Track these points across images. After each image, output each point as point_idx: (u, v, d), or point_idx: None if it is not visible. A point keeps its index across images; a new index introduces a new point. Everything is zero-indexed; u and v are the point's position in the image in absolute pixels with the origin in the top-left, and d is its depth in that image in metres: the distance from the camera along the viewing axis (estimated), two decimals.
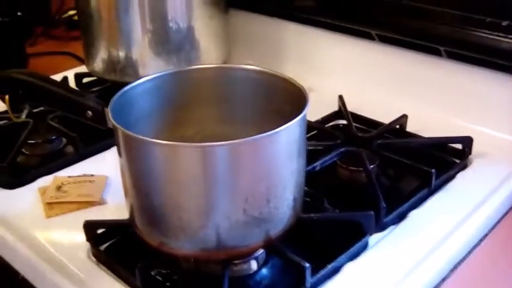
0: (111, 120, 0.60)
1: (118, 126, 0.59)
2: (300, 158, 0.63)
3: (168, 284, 0.66)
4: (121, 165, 0.63)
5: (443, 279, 0.68)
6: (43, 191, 0.81)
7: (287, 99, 0.67)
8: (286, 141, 0.60)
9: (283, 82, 0.69)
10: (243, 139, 0.57)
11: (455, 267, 0.70)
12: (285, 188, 0.61)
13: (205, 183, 0.58)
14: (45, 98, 0.73)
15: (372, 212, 0.71)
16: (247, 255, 0.65)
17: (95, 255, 0.70)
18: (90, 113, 0.68)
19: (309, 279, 0.62)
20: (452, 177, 0.83)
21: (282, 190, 0.61)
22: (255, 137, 0.57)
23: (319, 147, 0.86)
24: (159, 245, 0.63)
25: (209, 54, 1.09)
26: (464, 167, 0.86)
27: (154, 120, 0.70)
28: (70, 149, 0.94)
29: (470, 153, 0.87)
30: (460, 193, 0.80)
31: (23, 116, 0.92)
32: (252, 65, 0.72)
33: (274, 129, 0.57)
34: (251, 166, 0.58)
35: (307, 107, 0.61)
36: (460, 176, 0.84)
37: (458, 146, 0.88)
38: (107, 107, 0.64)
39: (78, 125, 0.92)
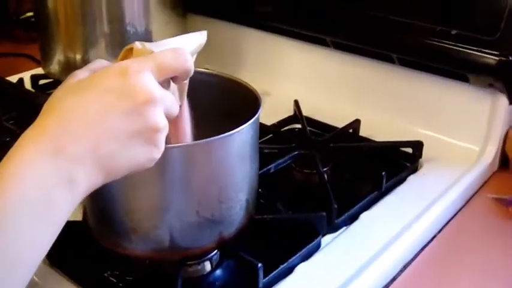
0: None
1: None
2: (252, 160, 0.64)
3: (121, 285, 0.66)
4: None
5: (393, 280, 0.70)
6: None
7: (242, 102, 0.68)
8: (239, 144, 0.61)
9: (239, 86, 0.70)
10: (196, 141, 0.58)
11: (404, 267, 0.72)
12: (238, 190, 0.62)
13: (158, 185, 0.59)
14: (1, 100, 0.73)
15: (324, 213, 0.72)
16: (200, 256, 0.66)
17: (48, 257, 0.69)
18: None
19: (262, 279, 0.64)
20: (403, 180, 0.86)
21: (235, 192, 0.62)
22: (207, 139, 0.58)
23: (274, 150, 0.87)
24: (112, 246, 0.63)
25: None
26: (414, 170, 0.88)
27: None
28: None
29: (420, 157, 0.89)
30: (410, 195, 0.82)
31: None
32: (208, 69, 0.73)
33: (227, 131, 0.58)
34: (204, 168, 0.59)
35: (260, 110, 0.63)
36: (411, 179, 0.86)
37: (409, 150, 0.90)
38: None
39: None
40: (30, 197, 0.42)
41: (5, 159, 0.44)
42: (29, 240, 0.43)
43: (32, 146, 0.44)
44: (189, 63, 0.52)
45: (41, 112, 0.47)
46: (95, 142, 0.45)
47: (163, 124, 0.49)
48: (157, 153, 0.49)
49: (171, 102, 0.51)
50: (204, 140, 0.58)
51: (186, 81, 0.57)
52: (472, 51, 0.87)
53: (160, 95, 0.48)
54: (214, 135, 0.58)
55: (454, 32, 0.88)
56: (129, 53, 0.53)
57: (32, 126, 0.46)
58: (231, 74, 0.72)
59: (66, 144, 0.44)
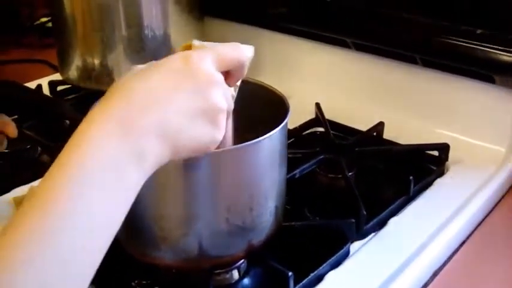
0: None
1: None
2: (281, 166, 0.63)
3: None
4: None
5: (425, 286, 0.68)
6: (19, 202, 0.79)
7: (268, 107, 0.67)
8: (268, 150, 0.60)
9: (264, 90, 0.69)
10: (225, 149, 0.56)
11: (436, 273, 0.70)
12: (268, 197, 0.61)
13: (187, 193, 0.58)
14: (21, 107, 0.72)
15: (353, 220, 0.71)
16: (230, 265, 0.65)
17: None
18: (67, 122, 0.67)
19: None
20: (430, 184, 0.84)
21: (265, 199, 0.61)
22: (236, 146, 0.57)
23: (297, 155, 0.86)
24: (140, 255, 0.63)
25: None
26: (441, 173, 0.87)
27: None
28: (46, 158, 0.92)
29: (447, 159, 0.88)
30: (438, 200, 0.81)
31: None
32: None
33: (255, 137, 0.57)
34: (233, 175, 0.58)
35: (289, 115, 0.62)
36: (438, 182, 0.84)
37: (435, 152, 0.89)
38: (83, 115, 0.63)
39: (53, 133, 0.91)
40: (101, 169, 0.43)
41: (70, 140, 0.44)
42: (102, 212, 0.43)
43: (99, 124, 0.44)
44: (245, 57, 0.55)
45: (104, 96, 0.47)
46: (162, 116, 0.46)
47: (224, 105, 0.50)
48: (219, 135, 0.50)
49: (228, 90, 0.52)
50: (234, 146, 0.57)
51: (237, 86, 0.57)
52: (497, 51, 0.85)
53: (221, 78, 0.50)
54: (241, 141, 0.57)
55: (479, 31, 0.87)
56: (188, 49, 0.53)
57: (96, 108, 0.46)
58: (252, 78, 0.71)
59: (134, 118, 0.45)
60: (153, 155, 0.46)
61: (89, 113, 0.46)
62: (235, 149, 0.57)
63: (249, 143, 0.57)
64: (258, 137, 0.57)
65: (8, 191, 0.83)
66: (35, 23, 1.54)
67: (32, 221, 0.40)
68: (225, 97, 0.50)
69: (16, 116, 0.95)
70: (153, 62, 0.50)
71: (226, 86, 0.52)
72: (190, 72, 0.48)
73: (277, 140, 0.60)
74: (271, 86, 0.68)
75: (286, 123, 0.62)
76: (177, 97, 0.47)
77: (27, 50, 1.44)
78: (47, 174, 0.43)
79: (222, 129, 0.50)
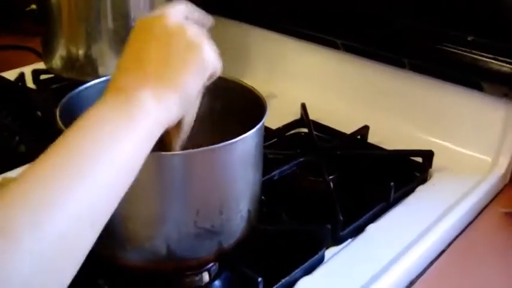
0: (59, 123, 0.58)
1: (64, 129, 0.57)
2: (255, 169, 0.61)
3: None
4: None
5: None
6: None
7: (247, 107, 0.66)
8: (241, 152, 0.58)
9: (245, 90, 0.67)
10: (197, 149, 0.55)
11: (412, 283, 0.69)
12: (239, 200, 0.60)
13: (156, 193, 0.56)
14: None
15: (329, 226, 0.69)
16: (199, 267, 0.63)
17: None
18: (39, 113, 0.66)
19: None
20: (412, 190, 0.83)
21: (236, 202, 0.59)
22: (209, 147, 0.55)
23: (278, 156, 0.84)
24: (106, 255, 0.61)
25: None
26: (424, 180, 0.85)
27: None
28: (23, 147, 0.90)
29: (430, 166, 0.86)
30: (419, 207, 0.79)
31: None
32: None
33: (233, 137, 0.56)
34: (204, 177, 0.56)
35: (265, 117, 0.60)
36: (420, 189, 0.83)
37: (419, 159, 0.87)
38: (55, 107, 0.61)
39: (32, 122, 0.89)
40: (105, 118, 0.46)
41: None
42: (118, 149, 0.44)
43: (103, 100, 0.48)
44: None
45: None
46: (144, 65, 0.49)
47: (200, 39, 0.52)
48: (201, 56, 0.52)
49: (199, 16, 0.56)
50: (205, 147, 0.55)
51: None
52: (487, 59, 0.84)
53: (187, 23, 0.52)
54: (219, 140, 0.55)
55: (469, 38, 0.85)
56: None
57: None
58: (237, 76, 0.69)
59: (124, 78, 0.49)
60: (152, 102, 0.48)
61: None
62: (207, 150, 0.55)
63: (221, 144, 0.55)
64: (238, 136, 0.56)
65: None
66: (27, 9, 1.51)
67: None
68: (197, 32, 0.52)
69: None
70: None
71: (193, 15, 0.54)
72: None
73: (252, 142, 0.59)
74: (251, 86, 0.66)
75: (263, 125, 0.60)
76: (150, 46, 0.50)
77: (18, 37, 1.41)
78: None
79: (204, 51, 0.52)
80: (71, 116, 0.59)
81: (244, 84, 0.67)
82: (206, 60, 0.52)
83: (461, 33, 0.86)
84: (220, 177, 0.57)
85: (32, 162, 0.42)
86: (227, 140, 0.55)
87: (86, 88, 0.65)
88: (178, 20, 0.52)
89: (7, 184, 0.73)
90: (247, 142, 0.58)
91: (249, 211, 0.61)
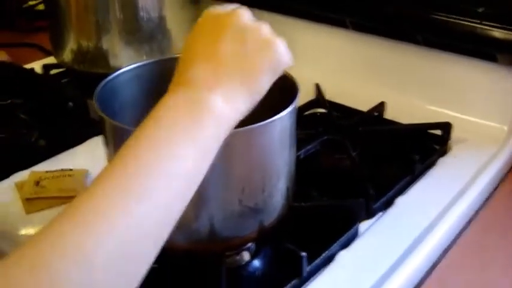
0: (98, 111, 0.58)
1: (105, 117, 0.57)
2: (291, 147, 0.62)
3: (159, 277, 0.64)
4: (108, 156, 0.61)
5: (434, 265, 0.68)
6: (20, 186, 0.78)
7: (275, 87, 0.66)
8: (280, 130, 0.59)
9: None
10: (238, 129, 0.55)
11: (446, 251, 0.70)
12: (279, 177, 0.60)
13: None
14: (24, 89, 0.71)
15: (363, 199, 0.70)
16: (241, 246, 0.64)
17: None
18: (71, 104, 0.66)
19: (306, 268, 0.62)
20: (433, 163, 0.84)
21: (276, 179, 0.60)
22: (248, 127, 0.55)
23: (300, 136, 0.84)
24: None
25: (181, 44, 1.07)
26: (444, 152, 0.86)
27: (139, 109, 0.67)
28: (43, 142, 0.91)
29: (449, 138, 0.88)
30: (443, 179, 0.81)
31: None
32: None
33: (263, 118, 0.56)
34: (246, 157, 0.57)
35: (298, 96, 0.61)
36: (441, 161, 0.84)
37: (438, 132, 0.88)
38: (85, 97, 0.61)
39: (48, 118, 0.89)
40: (182, 118, 0.45)
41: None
42: (185, 155, 0.44)
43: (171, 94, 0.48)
44: None
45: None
46: (213, 63, 0.48)
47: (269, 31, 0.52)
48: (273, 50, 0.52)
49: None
50: (246, 127, 0.56)
51: None
52: (499, 30, 0.85)
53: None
54: (248, 122, 0.56)
55: (480, 9, 0.87)
56: None
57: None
58: None
59: (195, 77, 0.47)
60: (223, 103, 0.47)
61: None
62: (248, 129, 0.55)
63: (261, 123, 0.56)
64: (267, 118, 0.56)
65: (7, 176, 0.82)
66: (23, 6, 1.51)
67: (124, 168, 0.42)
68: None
69: (10, 101, 0.94)
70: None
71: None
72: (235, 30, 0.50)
73: (288, 121, 0.60)
74: None
75: (297, 104, 0.61)
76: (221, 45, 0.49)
77: (16, 34, 1.40)
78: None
79: (277, 44, 0.52)
80: (106, 104, 0.60)
81: None
82: (280, 59, 0.52)
83: (471, 5, 0.87)
84: (261, 156, 0.58)
85: (97, 177, 0.42)
86: (258, 121, 0.56)
87: (114, 77, 0.66)
88: (251, 18, 0.51)
89: (38, 178, 0.74)
90: (285, 121, 0.59)
91: (287, 188, 0.62)
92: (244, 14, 0.51)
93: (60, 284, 0.35)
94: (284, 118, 0.58)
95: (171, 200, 0.43)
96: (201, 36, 0.50)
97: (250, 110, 0.51)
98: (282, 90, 0.63)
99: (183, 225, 0.58)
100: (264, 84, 0.50)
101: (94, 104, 0.59)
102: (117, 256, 0.38)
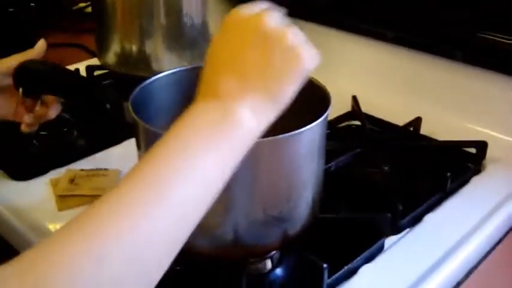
0: (132, 114, 0.60)
1: (139, 120, 0.59)
2: (320, 158, 0.63)
3: (182, 280, 0.65)
4: (140, 158, 0.63)
5: (458, 284, 0.68)
6: (55, 183, 0.80)
7: (308, 98, 0.67)
8: (308, 141, 0.59)
9: (307, 81, 0.68)
10: (265, 139, 0.56)
11: (470, 272, 0.70)
12: (305, 188, 0.61)
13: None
14: (63, 89, 0.73)
15: (389, 214, 0.70)
16: (264, 254, 0.65)
17: None
18: (108, 105, 0.68)
19: (326, 280, 0.62)
20: (467, 181, 0.83)
21: (302, 190, 0.61)
22: (277, 137, 0.56)
23: (333, 147, 0.85)
24: None
25: None
26: (478, 171, 0.85)
27: (174, 114, 0.69)
28: (81, 141, 0.93)
29: (484, 157, 0.87)
30: (475, 198, 0.80)
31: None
32: None
33: (294, 128, 0.57)
34: (272, 166, 0.58)
35: (330, 108, 0.61)
36: (474, 180, 0.83)
37: (472, 150, 0.87)
38: (123, 99, 0.63)
39: (90, 118, 0.92)
40: (201, 131, 0.46)
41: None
42: (201, 167, 0.44)
43: (199, 104, 0.48)
44: None
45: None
46: (241, 75, 0.48)
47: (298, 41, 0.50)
48: (301, 62, 0.50)
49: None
50: (273, 137, 0.56)
51: None
52: None
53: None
54: (279, 131, 0.57)
55: None
56: None
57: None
58: None
59: (221, 87, 0.48)
60: (249, 114, 0.47)
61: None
62: (275, 139, 0.56)
63: (289, 134, 0.56)
64: (298, 128, 0.57)
65: (44, 172, 0.84)
66: (74, 8, 1.55)
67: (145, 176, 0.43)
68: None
69: None
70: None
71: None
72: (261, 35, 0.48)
73: (317, 132, 0.60)
74: (313, 78, 0.67)
75: (327, 116, 0.61)
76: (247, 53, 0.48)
77: (65, 34, 1.45)
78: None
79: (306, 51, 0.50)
80: (141, 107, 0.62)
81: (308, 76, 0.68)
82: (306, 68, 0.50)
83: (507, 23, 0.86)
84: (287, 166, 0.58)
85: (122, 179, 0.43)
86: (291, 130, 0.57)
87: (151, 82, 0.67)
88: (277, 22, 0.49)
89: (72, 175, 0.76)
90: (314, 132, 0.59)
91: (313, 199, 0.63)
92: (271, 18, 0.49)
93: (75, 281, 0.36)
94: (313, 129, 0.58)
95: (190, 206, 0.44)
96: (225, 42, 0.50)
97: (276, 118, 0.50)
98: (315, 101, 0.64)
99: (207, 230, 0.60)
100: (289, 94, 0.50)
101: (128, 107, 0.61)
102: (134, 257, 0.39)
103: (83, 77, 0.94)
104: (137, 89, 0.64)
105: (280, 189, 0.59)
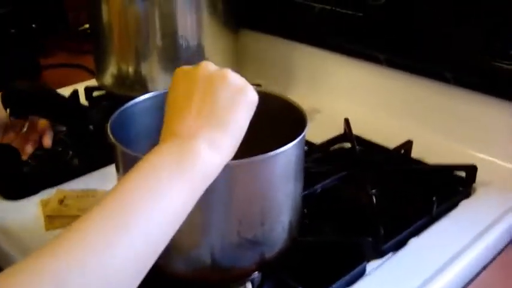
0: (110, 137, 0.61)
1: (115, 142, 0.60)
2: (296, 181, 0.63)
3: None
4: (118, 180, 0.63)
5: None
6: (45, 203, 0.81)
7: (290, 120, 0.67)
8: (283, 164, 0.60)
9: (286, 104, 0.68)
10: (239, 160, 0.56)
11: None
12: (280, 211, 0.61)
13: (200, 203, 0.58)
14: (48, 111, 0.74)
15: (370, 238, 0.70)
16: (242, 277, 0.65)
17: None
18: (91, 127, 0.69)
19: None
20: (455, 205, 0.83)
21: (277, 213, 0.61)
22: (251, 158, 0.57)
23: (321, 170, 0.85)
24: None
25: None
26: (467, 195, 0.85)
27: (155, 138, 0.70)
28: (76, 161, 0.94)
29: (473, 181, 0.86)
30: (462, 222, 0.79)
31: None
32: (259, 85, 0.72)
33: (273, 149, 0.57)
34: (246, 188, 0.58)
35: (306, 130, 0.61)
36: (463, 204, 0.83)
37: (462, 173, 0.87)
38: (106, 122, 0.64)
39: (84, 138, 0.93)
40: (166, 164, 0.49)
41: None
42: (165, 202, 0.47)
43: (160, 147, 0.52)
44: None
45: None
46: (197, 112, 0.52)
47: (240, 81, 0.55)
48: (251, 93, 0.55)
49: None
50: (247, 159, 0.57)
51: None
52: None
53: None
54: (258, 154, 0.57)
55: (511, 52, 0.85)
56: None
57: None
58: (281, 91, 0.71)
59: (179, 127, 0.52)
60: (208, 146, 0.51)
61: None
62: (249, 161, 0.57)
63: (263, 156, 0.57)
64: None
65: (37, 192, 0.85)
66: (80, 29, 1.57)
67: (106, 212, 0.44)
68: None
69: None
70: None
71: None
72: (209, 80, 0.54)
73: (293, 154, 0.60)
74: (292, 100, 0.68)
75: (303, 138, 0.61)
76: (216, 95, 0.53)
77: (68, 55, 1.47)
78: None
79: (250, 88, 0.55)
80: (121, 130, 0.62)
81: (284, 97, 0.69)
82: (251, 100, 0.55)
83: (503, 47, 0.86)
84: (261, 188, 0.59)
85: (90, 209, 0.45)
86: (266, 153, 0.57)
87: (135, 104, 0.68)
88: (215, 67, 0.56)
89: (62, 196, 0.76)
90: (288, 154, 0.59)
91: (290, 222, 0.63)
92: (209, 65, 0.56)
93: None
94: (288, 151, 0.59)
95: (155, 234, 0.46)
96: (178, 93, 0.55)
97: (235, 149, 0.53)
98: (294, 123, 0.64)
99: (184, 252, 0.61)
100: (241, 123, 0.54)
101: (107, 130, 0.62)
102: (99, 286, 0.40)
103: (67, 98, 0.95)
104: (117, 112, 0.65)
105: (254, 212, 0.59)
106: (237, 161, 0.56)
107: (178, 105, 0.54)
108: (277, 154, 0.57)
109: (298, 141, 0.60)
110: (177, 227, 0.48)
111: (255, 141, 0.68)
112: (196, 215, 0.58)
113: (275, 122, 0.69)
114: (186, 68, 0.57)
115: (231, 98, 0.54)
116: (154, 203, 0.46)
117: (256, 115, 0.70)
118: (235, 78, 0.55)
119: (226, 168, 0.56)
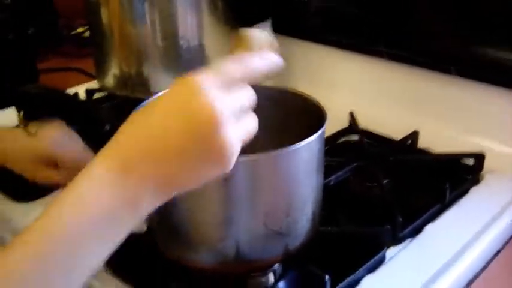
0: None
1: None
2: (318, 172, 0.63)
3: None
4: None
5: None
6: None
7: (304, 115, 0.68)
8: (306, 156, 0.60)
9: (300, 98, 0.69)
10: (263, 154, 0.57)
11: (471, 281, 0.70)
12: (305, 203, 0.62)
13: (225, 198, 0.58)
14: (62, 112, 0.74)
15: (389, 226, 0.71)
16: (265, 268, 0.65)
17: (112, 268, 0.69)
18: (107, 127, 0.69)
19: None
20: (465, 192, 0.84)
21: (302, 205, 0.61)
22: (275, 152, 0.57)
23: (332, 163, 0.86)
24: (177, 258, 0.63)
25: None
26: (476, 182, 0.86)
27: None
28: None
29: (481, 169, 0.87)
30: (474, 208, 0.80)
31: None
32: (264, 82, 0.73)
33: (290, 144, 0.58)
34: (271, 181, 0.58)
35: (326, 122, 0.62)
36: (473, 191, 0.84)
37: (470, 162, 0.88)
38: (121, 122, 0.64)
39: (96, 138, 0.93)
40: (94, 217, 0.44)
41: (78, 175, 0.45)
42: (87, 256, 0.45)
43: (103, 164, 0.45)
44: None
45: (110, 141, 0.47)
46: (159, 162, 0.45)
47: (233, 144, 0.45)
48: (224, 171, 0.47)
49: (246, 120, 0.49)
50: (271, 152, 0.57)
51: None
52: None
53: (227, 114, 0.44)
54: (276, 148, 0.57)
55: None
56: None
57: (108, 143, 0.47)
58: (288, 86, 0.72)
59: (132, 164, 0.44)
60: (149, 203, 0.46)
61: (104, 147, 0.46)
62: (273, 155, 0.57)
63: (287, 149, 0.57)
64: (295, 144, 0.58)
65: (46, 194, 0.85)
66: (72, 33, 1.57)
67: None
68: (236, 132, 0.45)
69: None
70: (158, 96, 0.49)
71: (236, 117, 0.46)
72: (189, 110, 0.44)
73: (315, 147, 0.61)
74: (308, 95, 0.69)
75: (324, 130, 0.62)
76: (173, 140, 0.44)
77: (64, 59, 1.46)
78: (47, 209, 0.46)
79: (228, 167, 0.46)
80: None
81: (302, 93, 0.70)
82: (221, 173, 0.47)
83: (506, 38, 0.87)
84: (286, 181, 0.59)
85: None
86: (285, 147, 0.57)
87: None
88: (212, 109, 0.43)
89: None
90: (311, 146, 0.60)
91: (313, 214, 0.63)
92: (204, 98, 0.44)
93: None
94: (310, 144, 0.59)
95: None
96: (159, 116, 0.46)
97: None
98: (311, 117, 0.65)
99: (209, 245, 0.61)
100: (200, 183, 0.48)
101: None
102: None
103: (81, 99, 0.95)
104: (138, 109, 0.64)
105: (279, 205, 0.59)
106: (261, 154, 0.56)
107: (150, 132, 0.45)
108: (301, 147, 0.58)
109: (320, 134, 0.60)
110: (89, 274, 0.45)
111: (272, 135, 0.70)
112: (222, 209, 0.59)
113: (291, 116, 0.70)
114: (175, 92, 0.46)
115: (203, 164, 0.45)
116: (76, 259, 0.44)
117: (272, 110, 0.71)
118: (226, 141, 0.44)
119: (251, 163, 0.57)
